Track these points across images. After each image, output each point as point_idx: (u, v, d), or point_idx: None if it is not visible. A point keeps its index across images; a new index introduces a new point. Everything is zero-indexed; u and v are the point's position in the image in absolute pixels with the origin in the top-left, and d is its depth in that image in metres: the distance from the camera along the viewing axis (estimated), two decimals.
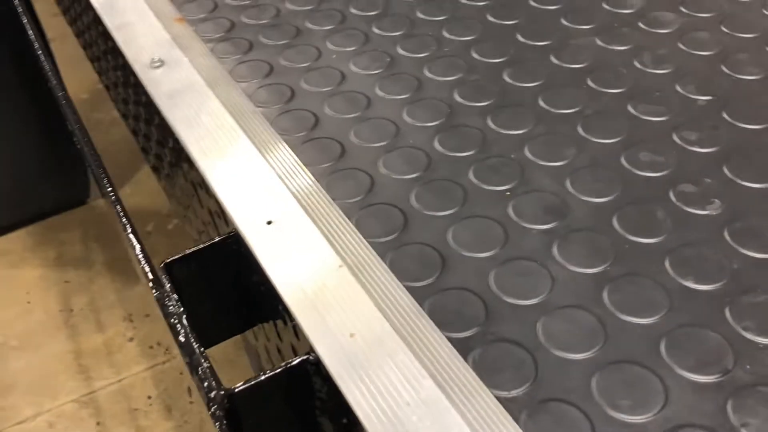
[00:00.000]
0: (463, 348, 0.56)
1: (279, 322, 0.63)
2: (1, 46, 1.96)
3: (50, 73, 1.09)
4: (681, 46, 0.87)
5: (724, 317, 0.57)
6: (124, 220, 0.70)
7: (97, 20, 1.02)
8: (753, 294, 0.59)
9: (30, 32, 1.22)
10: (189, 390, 1.78)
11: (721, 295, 0.59)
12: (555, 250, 0.63)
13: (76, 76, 2.22)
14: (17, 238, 2.24)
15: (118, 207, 0.73)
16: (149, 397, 1.77)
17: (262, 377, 0.54)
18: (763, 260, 0.62)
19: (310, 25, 0.94)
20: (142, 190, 2.34)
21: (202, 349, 0.55)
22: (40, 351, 1.89)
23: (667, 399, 0.52)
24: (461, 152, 0.74)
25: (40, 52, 1.19)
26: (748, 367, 0.54)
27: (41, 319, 1.97)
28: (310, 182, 0.71)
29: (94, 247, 2.20)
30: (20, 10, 1.28)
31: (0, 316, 1.98)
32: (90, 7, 1.02)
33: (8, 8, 1.32)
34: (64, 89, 1.05)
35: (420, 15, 0.95)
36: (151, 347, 1.88)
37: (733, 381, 0.53)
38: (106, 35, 0.98)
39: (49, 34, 2.03)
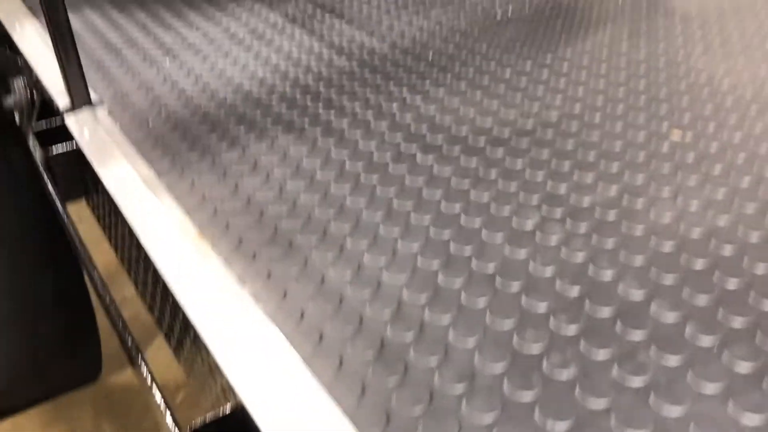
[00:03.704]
0: None
1: None
2: (34, 232, 2.21)
3: (83, 256, 1.33)
4: None
5: None
6: (156, 391, 0.92)
7: (131, 233, 1.29)
8: None
9: (63, 217, 1.49)
10: None
11: None
12: None
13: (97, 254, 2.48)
14: (31, 416, 2.40)
15: (149, 379, 0.95)
16: None
17: None
18: None
19: (299, 239, 1.21)
20: (150, 365, 2.53)
21: None
22: None
23: None
24: None
25: (73, 235, 1.45)
26: None
27: None
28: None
29: (105, 424, 2.36)
30: (54, 196, 1.54)
31: None
32: (125, 223, 1.30)
33: (42, 195, 1.59)
34: (97, 271, 1.29)
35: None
36: None
37: None
38: (139, 246, 1.25)
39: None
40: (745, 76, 1.65)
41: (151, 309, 1.39)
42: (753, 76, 1.65)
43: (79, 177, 1.65)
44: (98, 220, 1.74)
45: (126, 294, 2.94)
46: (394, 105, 1.65)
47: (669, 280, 1.07)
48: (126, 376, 2.37)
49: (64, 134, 1.65)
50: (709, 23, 1.95)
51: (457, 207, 1.26)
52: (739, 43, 1.82)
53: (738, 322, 0.99)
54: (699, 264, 1.10)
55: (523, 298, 1.04)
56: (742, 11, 2.00)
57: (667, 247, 1.14)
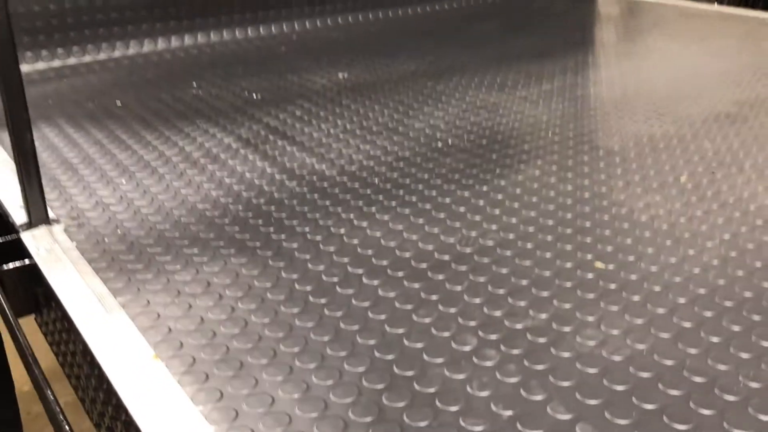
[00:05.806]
0: None
1: None
2: None
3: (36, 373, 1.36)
4: None
5: None
6: None
7: (85, 350, 1.33)
8: None
9: (15, 331, 1.51)
10: None
11: None
12: None
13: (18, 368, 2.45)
14: None
15: None
16: None
17: None
18: None
19: (250, 359, 1.27)
20: None
21: None
22: None
23: None
24: None
25: (25, 348, 1.47)
26: None
27: None
28: None
29: None
30: (6, 310, 1.56)
31: None
32: (79, 340, 1.34)
33: None
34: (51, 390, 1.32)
35: None
36: None
37: None
38: (93, 364, 1.28)
39: None
40: (660, 211, 1.82)
41: (98, 426, 1.41)
42: (668, 211, 1.82)
43: (31, 293, 1.68)
44: (46, 336, 1.76)
45: (69, 399, 2.88)
46: (342, 228, 1.76)
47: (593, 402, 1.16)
48: None
49: (19, 250, 1.70)
50: (629, 160, 2.15)
51: (401, 330, 1.35)
52: (655, 179, 2.01)
53: None
54: (619, 387, 1.20)
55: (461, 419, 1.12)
56: (658, 150, 2.21)
57: (591, 371, 1.24)
